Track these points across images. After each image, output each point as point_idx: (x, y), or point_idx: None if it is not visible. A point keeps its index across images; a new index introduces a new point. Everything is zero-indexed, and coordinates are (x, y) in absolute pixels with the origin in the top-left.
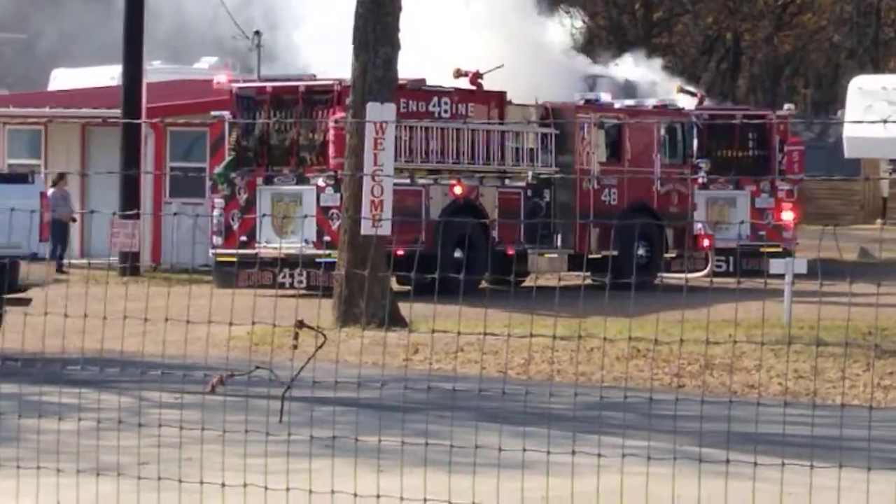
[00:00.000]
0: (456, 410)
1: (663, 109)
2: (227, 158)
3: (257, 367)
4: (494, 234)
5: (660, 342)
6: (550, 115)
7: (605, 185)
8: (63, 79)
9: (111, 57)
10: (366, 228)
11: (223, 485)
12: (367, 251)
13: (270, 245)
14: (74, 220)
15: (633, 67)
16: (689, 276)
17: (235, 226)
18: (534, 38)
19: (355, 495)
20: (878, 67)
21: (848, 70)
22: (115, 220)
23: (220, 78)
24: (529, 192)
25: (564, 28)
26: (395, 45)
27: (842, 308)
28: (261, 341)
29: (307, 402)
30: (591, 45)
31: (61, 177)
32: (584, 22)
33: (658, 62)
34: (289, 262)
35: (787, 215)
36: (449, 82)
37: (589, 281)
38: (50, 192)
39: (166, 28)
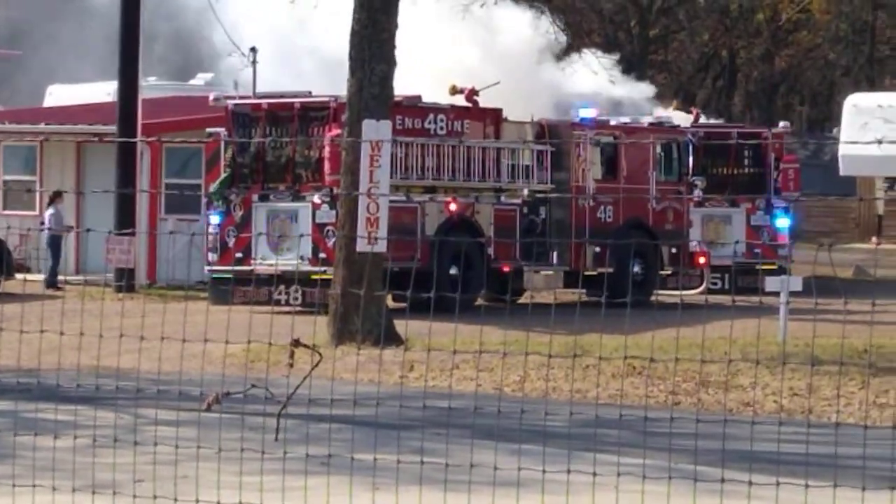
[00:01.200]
0: (451, 428)
1: (659, 127)
2: (223, 175)
3: (253, 386)
4: (490, 251)
5: (655, 360)
6: (546, 132)
7: (600, 203)
8: (58, 94)
9: (107, 73)
10: (361, 246)
11: (219, 503)
12: (362, 268)
13: (266, 262)
14: (71, 228)
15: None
16: (685, 293)
17: (231, 242)
18: (528, 55)
19: None
20: (873, 85)
21: (843, 88)
22: (110, 236)
23: (215, 94)
24: (525, 209)
25: (560, 44)
26: (390, 63)
27: (837, 326)
28: (256, 358)
29: (303, 420)
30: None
31: (58, 195)
32: (575, 40)
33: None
34: (284, 279)
35: (783, 231)
36: (445, 99)
37: (585, 298)
38: (48, 211)
39: (161, 44)
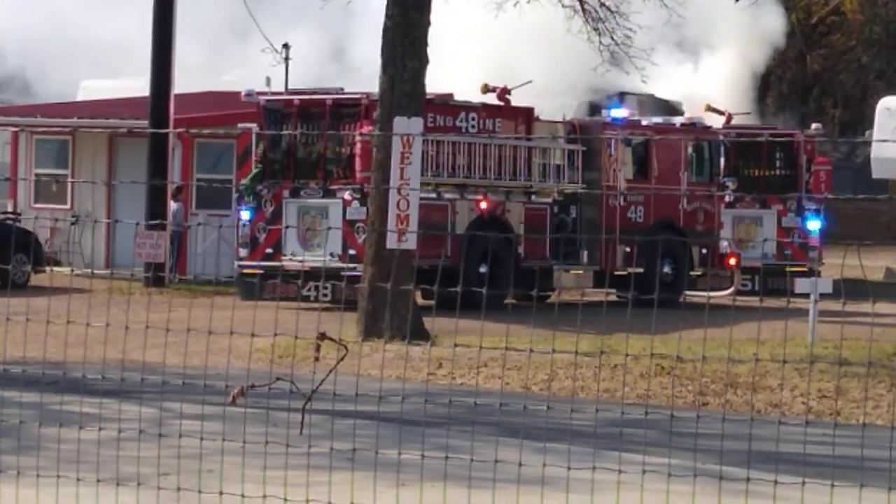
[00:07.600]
0: (477, 425)
1: (691, 127)
2: (254, 170)
3: (278, 379)
4: (520, 249)
5: (683, 360)
6: (578, 131)
7: (631, 202)
8: (92, 88)
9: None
10: (391, 242)
11: (243, 496)
12: (391, 265)
13: (296, 258)
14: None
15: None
16: (714, 294)
17: (261, 238)
18: (562, 54)
19: None
20: None
21: (876, 91)
22: (140, 230)
23: (248, 90)
24: (555, 208)
25: (593, 45)
26: (423, 60)
27: (866, 328)
28: (283, 353)
29: (328, 415)
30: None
31: (179, 190)
32: (612, 39)
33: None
34: (313, 274)
35: (814, 233)
36: (477, 97)
37: (613, 297)
38: (173, 206)
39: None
